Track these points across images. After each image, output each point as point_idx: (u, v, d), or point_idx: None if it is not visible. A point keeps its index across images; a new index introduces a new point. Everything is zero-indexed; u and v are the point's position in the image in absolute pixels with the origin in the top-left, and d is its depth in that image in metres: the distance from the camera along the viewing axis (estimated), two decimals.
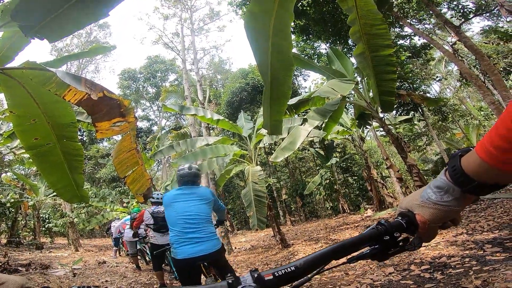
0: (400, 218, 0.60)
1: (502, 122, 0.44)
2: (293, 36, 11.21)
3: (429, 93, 15.26)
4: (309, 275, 0.57)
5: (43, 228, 15.62)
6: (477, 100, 22.53)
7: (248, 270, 0.56)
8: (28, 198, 13.20)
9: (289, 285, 0.57)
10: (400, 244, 0.58)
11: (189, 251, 2.24)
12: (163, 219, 3.94)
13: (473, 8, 10.56)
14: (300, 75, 20.33)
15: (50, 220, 16.11)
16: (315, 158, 17.49)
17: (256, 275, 0.54)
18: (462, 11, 10.18)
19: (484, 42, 13.74)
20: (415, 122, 14.87)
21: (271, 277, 0.54)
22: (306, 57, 11.83)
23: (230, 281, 0.53)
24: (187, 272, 2.28)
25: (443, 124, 15.64)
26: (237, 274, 2.83)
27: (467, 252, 3.56)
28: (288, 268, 0.55)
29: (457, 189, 0.53)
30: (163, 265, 5.07)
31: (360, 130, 12.11)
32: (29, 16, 2.03)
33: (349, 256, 0.59)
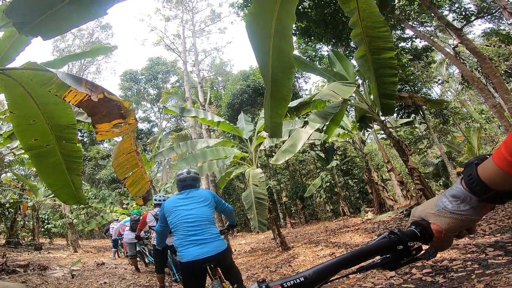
0: (413, 227, 0.59)
1: None
2: (294, 38, 11.22)
3: (430, 95, 15.24)
4: (318, 285, 0.56)
5: (42, 229, 15.56)
6: (478, 103, 22.52)
7: (256, 281, 0.55)
8: (27, 198, 13.17)
9: None
10: (413, 253, 0.57)
11: (195, 253, 2.22)
12: None
13: (475, 11, 10.57)
14: (301, 77, 20.34)
15: (49, 221, 16.05)
16: (316, 161, 17.46)
17: (264, 287, 0.53)
18: (464, 13, 10.18)
19: (485, 45, 13.74)
20: (416, 125, 14.85)
21: None
22: (307, 59, 11.85)
23: None
24: (193, 275, 2.26)
25: (444, 127, 15.64)
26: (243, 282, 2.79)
27: (469, 255, 3.54)
28: (298, 279, 0.54)
29: (474, 198, 0.52)
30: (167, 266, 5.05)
31: (361, 133, 12.09)
32: (24, 13, 2.02)
33: (359, 266, 0.58)
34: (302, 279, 0.54)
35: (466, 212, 0.53)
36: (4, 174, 14.24)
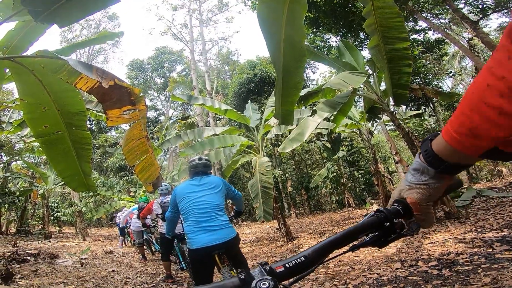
0: (396, 204, 0.62)
1: (461, 108, 0.48)
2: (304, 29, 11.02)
3: (441, 88, 14.92)
4: (316, 265, 0.58)
5: (52, 217, 15.72)
6: None
7: (258, 264, 0.56)
8: (37, 186, 13.30)
9: (298, 275, 0.57)
10: (398, 230, 0.60)
11: (205, 240, 2.23)
12: None
13: (492, 4, 10.19)
14: (309, 67, 20.10)
15: (59, 209, 16.28)
16: (322, 151, 17.40)
17: (267, 268, 0.54)
18: (480, 7, 9.85)
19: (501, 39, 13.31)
20: (425, 118, 14.62)
21: (282, 269, 0.55)
22: (316, 49, 11.65)
23: (242, 276, 0.52)
24: (202, 262, 2.27)
25: None
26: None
27: (476, 249, 3.53)
28: (298, 259, 0.56)
29: (431, 169, 0.57)
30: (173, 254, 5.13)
31: (369, 124, 11.94)
32: (39, 1, 2.01)
33: (350, 245, 0.61)
34: (302, 258, 0.56)
35: (427, 181, 0.59)
36: (14, 162, 14.42)
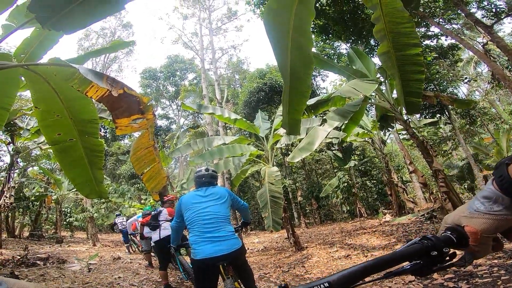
0: (449, 232, 0.57)
1: None
2: (312, 36, 11.03)
3: (456, 95, 14.58)
4: None
5: (64, 222, 16.07)
6: (507, 104, 21.35)
7: (278, 286, 0.54)
8: (52, 192, 13.64)
9: None
10: (447, 259, 0.54)
11: (209, 250, 2.20)
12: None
13: (505, 8, 10.00)
14: (319, 75, 20.04)
15: (72, 215, 16.63)
16: (332, 161, 17.17)
17: None
18: (494, 10, 9.67)
19: None
20: (440, 126, 14.25)
21: None
22: (325, 57, 11.62)
23: None
24: (206, 273, 2.24)
25: (471, 128, 14.93)
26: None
27: (495, 261, 3.39)
28: (321, 285, 0.52)
29: (506, 198, 0.52)
30: (174, 264, 5.09)
31: (382, 133, 11.74)
32: (47, 7, 2.06)
33: (386, 271, 0.55)
34: (326, 284, 0.51)
35: (500, 212, 0.53)
36: (31, 168, 14.84)
